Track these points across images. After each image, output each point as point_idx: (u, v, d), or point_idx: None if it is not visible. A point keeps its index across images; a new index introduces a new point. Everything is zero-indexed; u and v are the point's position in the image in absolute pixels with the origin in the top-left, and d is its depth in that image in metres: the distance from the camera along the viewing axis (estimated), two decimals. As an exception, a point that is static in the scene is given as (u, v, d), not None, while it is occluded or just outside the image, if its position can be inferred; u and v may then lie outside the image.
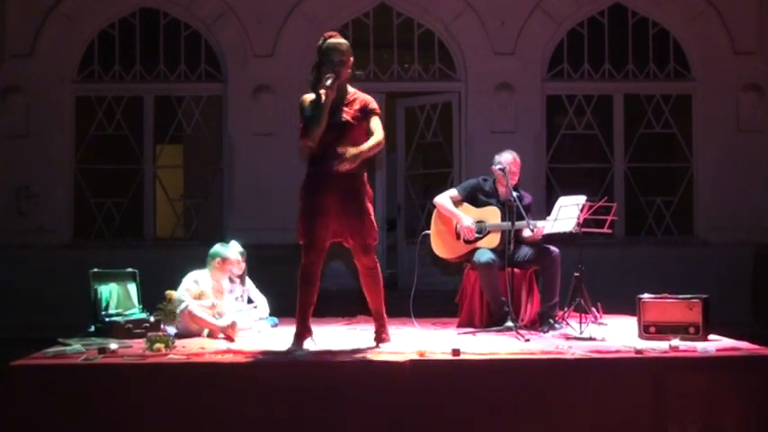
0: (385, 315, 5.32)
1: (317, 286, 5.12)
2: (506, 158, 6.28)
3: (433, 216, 6.53)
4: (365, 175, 5.12)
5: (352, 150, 4.84)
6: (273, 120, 9.67)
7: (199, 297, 5.84)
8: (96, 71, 9.82)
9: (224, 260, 5.98)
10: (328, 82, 4.86)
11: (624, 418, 4.55)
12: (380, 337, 5.30)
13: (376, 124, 5.01)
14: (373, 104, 5.08)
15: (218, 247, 6.02)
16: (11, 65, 9.57)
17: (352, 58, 5.07)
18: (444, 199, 6.42)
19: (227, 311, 5.96)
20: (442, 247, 6.48)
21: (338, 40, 5.05)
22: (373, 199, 5.17)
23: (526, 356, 4.84)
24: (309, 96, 5.03)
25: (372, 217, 5.09)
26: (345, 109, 5.01)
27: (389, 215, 10.67)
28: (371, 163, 5.04)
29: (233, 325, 5.79)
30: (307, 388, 4.52)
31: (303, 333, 5.13)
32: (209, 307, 5.85)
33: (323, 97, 4.86)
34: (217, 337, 5.70)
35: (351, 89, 5.12)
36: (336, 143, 4.91)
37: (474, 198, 6.39)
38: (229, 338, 5.65)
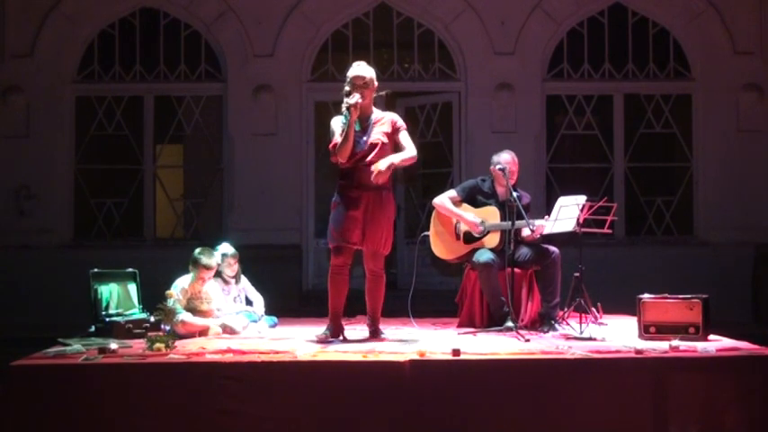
0: (379, 317, 5.70)
1: (347, 287, 5.55)
2: (505, 158, 6.28)
3: (432, 217, 6.53)
4: (392, 190, 5.55)
5: (379, 165, 5.27)
6: (273, 120, 9.68)
7: (188, 303, 5.84)
8: (96, 71, 9.82)
9: (197, 267, 5.88)
10: (353, 100, 5.29)
11: (624, 418, 4.54)
12: (376, 335, 5.65)
13: (406, 138, 5.49)
14: (400, 121, 5.54)
15: (195, 253, 5.91)
16: (11, 65, 9.57)
17: (377, 83, 5.52)
18: (444, 200, 6.42)
19: (220, 313, 5.97)
20: (441, 248, 6.47)
21: (365, 67, 5.51)
22: (396, 213, 5.63)
23: (526, 356, 4.84)
24: (337, 120, 5.44)
25: (391, 229, 5.53)
26: (375, 129, 5.44)
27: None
28: (404, 176, 5.65)
29: (224, 327, 5.82)
30: (307, 388, 4.52)
31: (336, 330, 5.54)
32: (201, 312, 5.86)
33: (350, 114, 5.28)
34: (217, 336, 5.72)
35: (377, 111, 5.56)
36: (366, 159, 5.37)
37: (473, 199, 6.38)
38: (231, 332, 5.79)
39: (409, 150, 5.42)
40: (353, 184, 5.41)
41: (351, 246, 5.46)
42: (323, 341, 5.38)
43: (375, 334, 5.63)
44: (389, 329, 6.21)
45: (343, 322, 5.64)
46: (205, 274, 5.90)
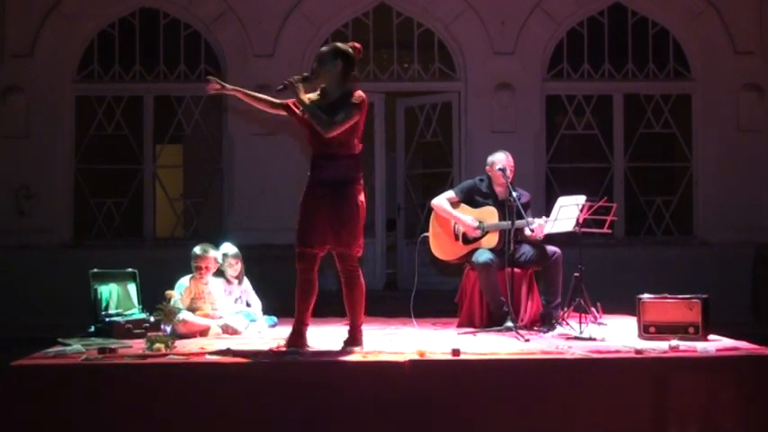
0: (359, 328, 5.12)
1: (315, 292, 5.16)
2: (500, 158, 6.28)
3: (431, 218, 6.53)
4: (361, 182, 5.09)
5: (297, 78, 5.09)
6: (273, 120, 9.62)
7: (191, 303, 5.84)
8: (96, 71, 9.82)
9: (193, 259, 5.92)
10: (294, 78, 5.11)
11: (624, 418, 4.55)
12: (354, 343, 5.08)
13: (345, 111, 4.94)
14: (354, 99, 4.96)
15: (194, 250, 5.97)
16: (11, 65, 9.56)
17: (339, 61, 5.04)
18: (442, 201, 6.42)
19: (221, 314, 5.97)
20: (440, 249, 6.48)
21: (324, 48, 5.18)
22: (365, 206, 5.09)
23: (526, 356, 4.84)
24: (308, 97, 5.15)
25: (359, 227, 5.03)
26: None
27: (389, 215, 10.67)
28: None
29: (225, 327, 5.82)
30: (306, 388, 4.52)
31: (300, 335, 5.13)
32: (204, 314, 5.86)
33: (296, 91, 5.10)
34: (217, 336, 5.73)
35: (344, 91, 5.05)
36: (329, 149, 4.99)
37: (471, 199, 6.38)
38: (233, 332, 5.79)
39: (339, 115, 4.88)
40: (315, 179, 5.03)
41: (317, 250, 5.07)
42: (277, 352, 4.98)
43: (353, 342, 5.06)
44: (389, 329, 6.22)
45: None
46: (202, 263, 5.88)
